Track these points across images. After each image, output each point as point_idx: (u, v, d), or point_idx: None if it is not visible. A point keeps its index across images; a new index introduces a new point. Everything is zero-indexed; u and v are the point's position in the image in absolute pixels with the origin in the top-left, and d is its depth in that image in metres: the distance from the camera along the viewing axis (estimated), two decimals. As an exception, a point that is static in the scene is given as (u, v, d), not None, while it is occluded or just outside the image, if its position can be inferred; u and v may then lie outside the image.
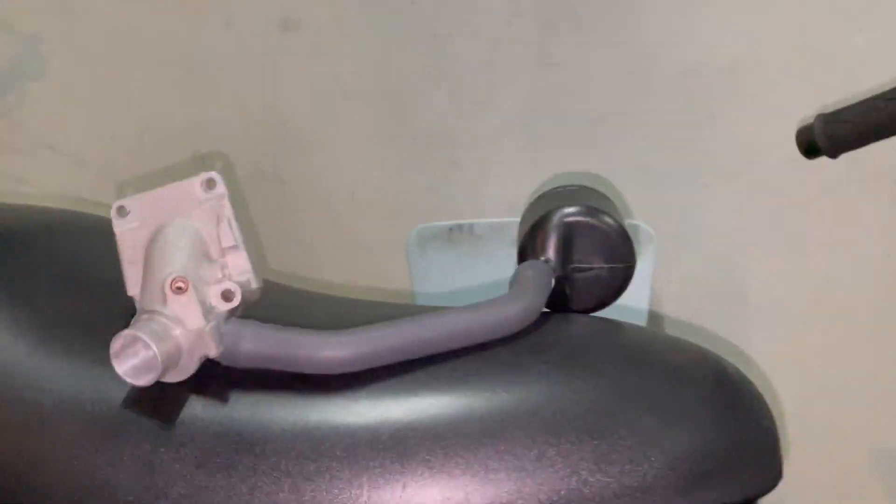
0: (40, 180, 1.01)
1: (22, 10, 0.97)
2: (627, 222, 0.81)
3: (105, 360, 0.32)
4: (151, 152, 1.02)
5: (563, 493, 0.33)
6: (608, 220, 0.42)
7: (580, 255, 0.42)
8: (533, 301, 0.38)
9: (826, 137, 0.55)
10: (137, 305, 0.35)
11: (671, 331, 0.98)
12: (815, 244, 0.93)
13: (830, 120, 0.54)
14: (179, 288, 0.33)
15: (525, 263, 0.41)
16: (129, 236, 0.36)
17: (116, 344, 0.32)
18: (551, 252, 0.42)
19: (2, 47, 0.97)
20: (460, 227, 0.92)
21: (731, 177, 0.93)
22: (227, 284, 0.35)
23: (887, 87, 0.53)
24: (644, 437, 0.34)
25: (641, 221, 0.82)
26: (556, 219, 0.42)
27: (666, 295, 0.98)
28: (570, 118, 0.94)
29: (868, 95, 0.54)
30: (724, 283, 0.96)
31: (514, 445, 0.33)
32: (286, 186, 1.01)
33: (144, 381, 0.32)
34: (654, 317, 1.00)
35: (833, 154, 0.56)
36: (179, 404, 0.33)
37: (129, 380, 0.32)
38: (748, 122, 0.90)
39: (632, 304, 0.86)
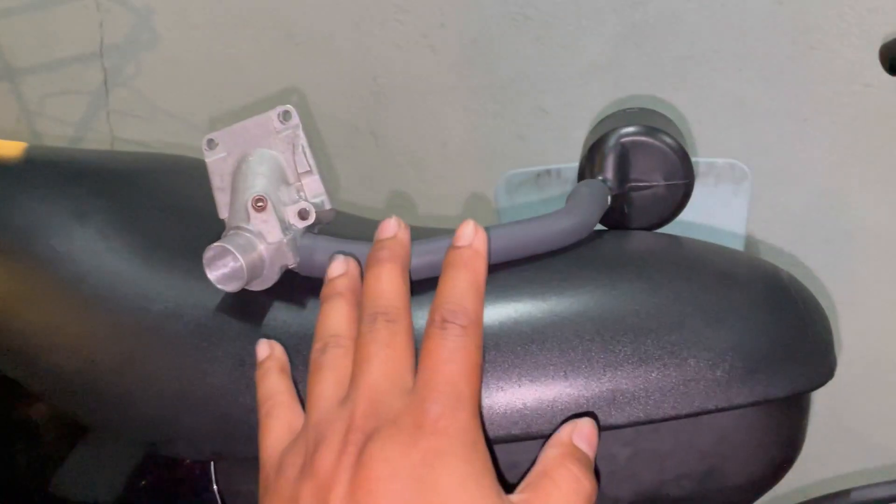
0: (159, 143, 1.10)
1: (134, -17, 1.05)
2: (723, 160, 0.81)
3: (202, 274, 0.37)
4: (256, 113, 1.09)
5: (609, 389, 0.35)
6: (664, 137, 0.43)
7: (637, 174, 0.44)
8: (585, 216, 0.40)
9: (909, 52, 0.53)
10: (227, 224, 0.39)
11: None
12: (923, 176, 0.89)
13: (913, 33, 0.53)
14: (260, 206, 0.38)
15: (581, 182, 0.43)
16: (218, 165, 0.40)
17: (208, 254, 0.37)
18: (609, 171, 0.44)
19: (118, 20, 1.06)
20: (548, 171, 0.94)
21: (832, 110, 0.90)
22: (303, 204, 0.39)
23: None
24: (688, 333, 0.35)
25: (736, 159, 0.81)
26: (612, 139, 0.43)
27: (766, 234, 0.97)
28: (658, 57, 0.93)
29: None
30: (827, 220, 0.94)
31: (560, 343, 0.36)
32: (380, 140, 1.05)
33: (233, 287, 0.37)
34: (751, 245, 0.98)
35: (917, 70, 0.54)
36: (265, 309, 0.38)
37: (219, 286, 0.37)
38: (850, 51, 0.87)
39: (728, 242, 0.86)
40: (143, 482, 0.39)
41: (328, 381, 0.34)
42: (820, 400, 0.98)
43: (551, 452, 0.33)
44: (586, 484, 0.32)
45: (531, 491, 0.32)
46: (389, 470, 0.30)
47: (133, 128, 1.10)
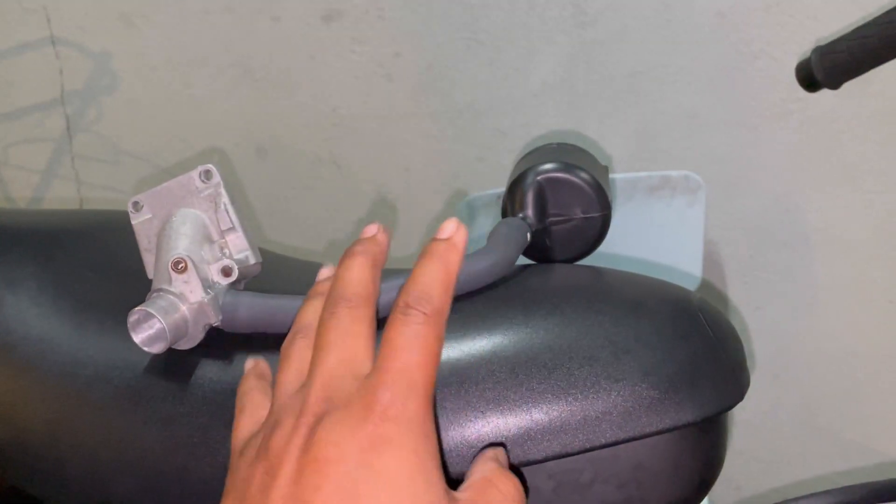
0: (124, 186, 1.11)
1: (90, 29, 1.06)
2: (677, 172, 0.82)
3: (130, 336, 0.38)
4: (216, 162, 1.10)
5: (525, 426, 0.36)
6: (579, 173, 0.44)
7: (556, 209, 0.45)
8: (503, 255, 0.41)
9: (823, 70, 0.55)
10: (152, 286, 0.41)
11: (733, 281, 0.98)
12: (874, 175, 0.91)
13: (826, 51, 0.54)
14: (180, 267, 0.39)
15: (501, 221, 0.45)
16: (144, 227, 0.42)
17: (132, 318, 0.38)
18: (528, 208, 0.45)
19: (77, 66, 1.07)
20: (508, 192, 0.94)
21: (780, 116, 0.91)
22: (225, 262, 0.40)
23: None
24: (599, 366, 0.37)
25: (689, 170, 0.83)
26: (530, 177, 0.45)
27: (724, 241, 0.98)
28: (610, 74, 0.95)
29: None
30: (783, 224, 0.95)
31: (476, 386, 0.37)
32: (343, 170, 1.06)
33: (158, 348, 0.38)
34: (711, 264, 1.00)
35: (833, 85, 0.56)
36: (192, 367, 0.39)
37: (145, 348, 0.38)
38: (792, 58, 0.89)
39: (686, 251, 0.87)
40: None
41: (291, 369, 0.35)
42: (792, 401, 1.00)
43: (489, 464, 0.34)
44: (523, 496, 0.34)
45: (474, 492, 0.33)
46: (337, 452, 0.30)
47: (99, 172, 1.11)
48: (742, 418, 1.01)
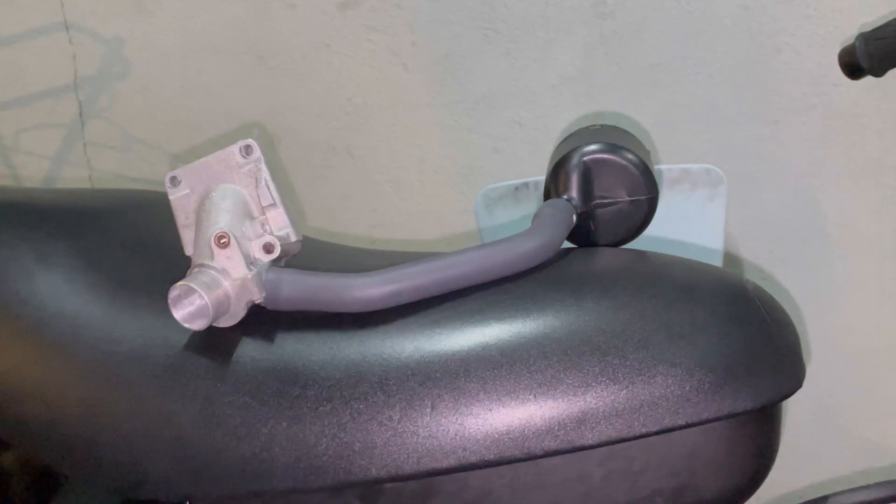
0: (137, 173, 1.09)
1: (103, 14, 1.04)
2: (698, 166, 0.81)
3: (168, 313, 0.37)
4: (232, 139, 1.09)
5: (577, 410, 0.35)
6: (626, 154, 0.43)
7: (602, 191, 0.44)
8: (550, 237, 0.40)
9: (868, 56, 0.54)
10: (192, 262, 0.39)
11: (752, 276, 0.97)
12: (896, 171, 0.90)
13: (872, 37, 0.53)
14: (223, 242, 0.38)
15: (546, 202, 0.44)
16: (181, 203, 0.40)
17: (173, 294, 0.37)
18: (573, 190, 0.44)
19: (89, 51, 1.06)
20: (526, 184, 0.94)
21: (802, 111, 0.90)
22: (268, 238, 0.39)
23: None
24: (653, 351, 0.36)
25: (710, 163, 0.82)
26: (575, 158, 0.44)
27: (744, 237, 0.97)
28: (628, 66, 0.94)
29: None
30: (803, 220, 0.94)
31: (529, 366, 0.36)
32: (357, 160, 1.05)
33: (199, 325, 0.37)
34: (730, 258, 0.99)
35: (877, 72, 0.55)
36: (232, 345, 0.38)
37: (185, 325, 0.37)
38: (816, 51, 0.88)
39: (706, 246, 0.87)
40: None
41: None
42: (810, 400, 0.99)
43: None
44: None
45: None
46: None
47: (110, 159, 1.09)
48: (757, 415, 1.00)
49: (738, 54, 0.90)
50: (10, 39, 1.06)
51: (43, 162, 1.10)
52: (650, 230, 0.82)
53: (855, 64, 0.55)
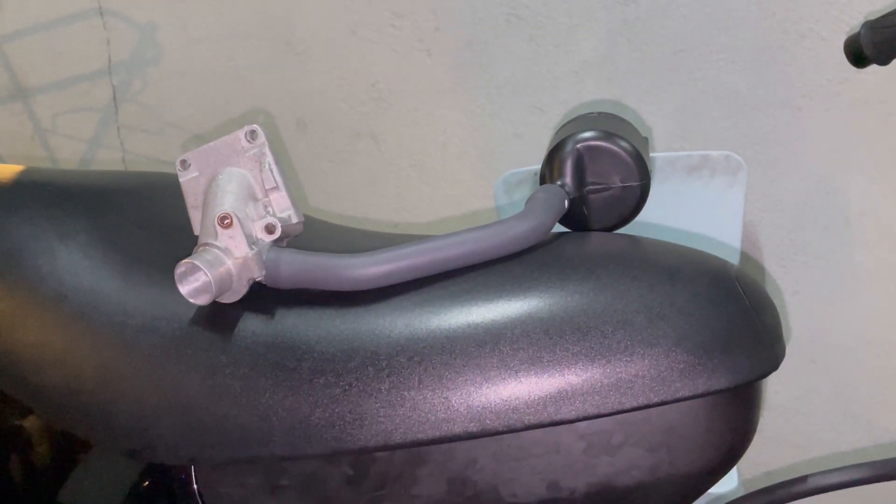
0: (168, 156, 1.13)
1: (136, 0, 1.08)
2: (718, 152, 0.81)
3: (176, 289, 0.40)
4: (261, 123, 1.12)
5: (557, 386, 0.37)
6: (619, 141, 0.45)
7: (594, 177, 0.45)
8: (540, 221, 0.42)
9: (873, 45, 0.54)
10: (198, 241, 0.42)
11: (772, 264, 0.96)
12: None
13: (877, 26, 0.53)
14: (226, 223, 0.40)
15: (539, 188, 0.45)
16: (190, 185, 0.43)
17: (179, 270, 0.39)
18: (567, 176, 0.45)
19: (124, 37, 1.09)
20: (545, 169, 0.94)
21: (824, 97, 0.90)
22: (269, 219, 0.41)
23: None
24: (633, 330, 0.37)
25: (732, 150, 0.82)
26: (569, 145, 0.45)
27: (763, 223, 0.97)
28: (651, 52, 0.94)
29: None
30: (824, 207, 0.94)
31: (512, 343, 0.37)
32: (381, 144, 1.07)
33: (203, 300, 0.39)
34: (750, 245, 0.99)
35: (883, 61, 0.55)
36: (235, 320, 0.40)
37: (191, 300, 0.39)
38: (839, 38, 0.87)
39: (725, 232, 0.87)
40: (129, 486, 0.42)
41: None
42: (827, 387, 0.99)
43: None
44: None
45: None
46: None
47: (143, 142, 1.13)
48: (776, 403, 1.00)
49: (761, 40, 0.90)
50: (46, 25, 1.10)
51: (79, 144, 1.14)
52: (668, 217, 0.82)
53: (859, 52, 0.55)
